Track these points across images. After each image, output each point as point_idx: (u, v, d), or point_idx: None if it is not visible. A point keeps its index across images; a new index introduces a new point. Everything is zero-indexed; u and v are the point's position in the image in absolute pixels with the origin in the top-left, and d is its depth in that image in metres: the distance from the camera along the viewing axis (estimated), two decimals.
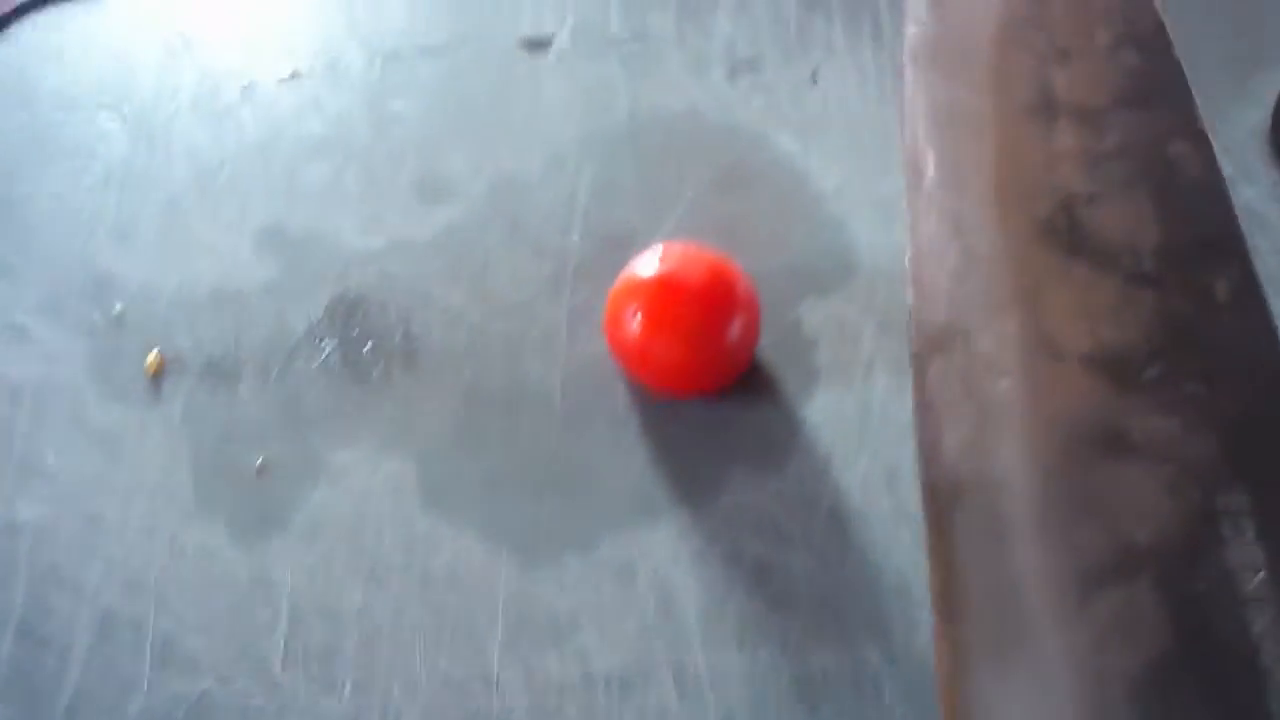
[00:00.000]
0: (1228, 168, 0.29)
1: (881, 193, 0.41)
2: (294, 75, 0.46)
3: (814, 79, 0.44)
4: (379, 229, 0.41)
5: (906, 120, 0.30)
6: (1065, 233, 0.27)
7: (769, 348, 0.37)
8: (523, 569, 0.34)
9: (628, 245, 0.40)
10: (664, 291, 0.35)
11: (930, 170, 0.29)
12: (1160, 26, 0.31)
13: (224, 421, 0.37)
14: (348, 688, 0.32)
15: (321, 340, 0.39)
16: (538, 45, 0.46)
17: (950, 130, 0.29)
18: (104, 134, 0.44)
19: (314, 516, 0.35)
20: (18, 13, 0.48)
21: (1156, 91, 0.30)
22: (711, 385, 0.36)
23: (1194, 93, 0.30)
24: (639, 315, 0.35)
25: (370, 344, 0.39)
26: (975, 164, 0.29)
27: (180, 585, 0.34)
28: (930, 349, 0.27)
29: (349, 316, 0.39)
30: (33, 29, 0.48)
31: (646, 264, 0.36)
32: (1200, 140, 0.29)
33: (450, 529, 0.35)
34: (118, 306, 0.40)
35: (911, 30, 0.31)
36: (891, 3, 0.46)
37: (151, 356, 0.39)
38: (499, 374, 0.38)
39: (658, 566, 0.34)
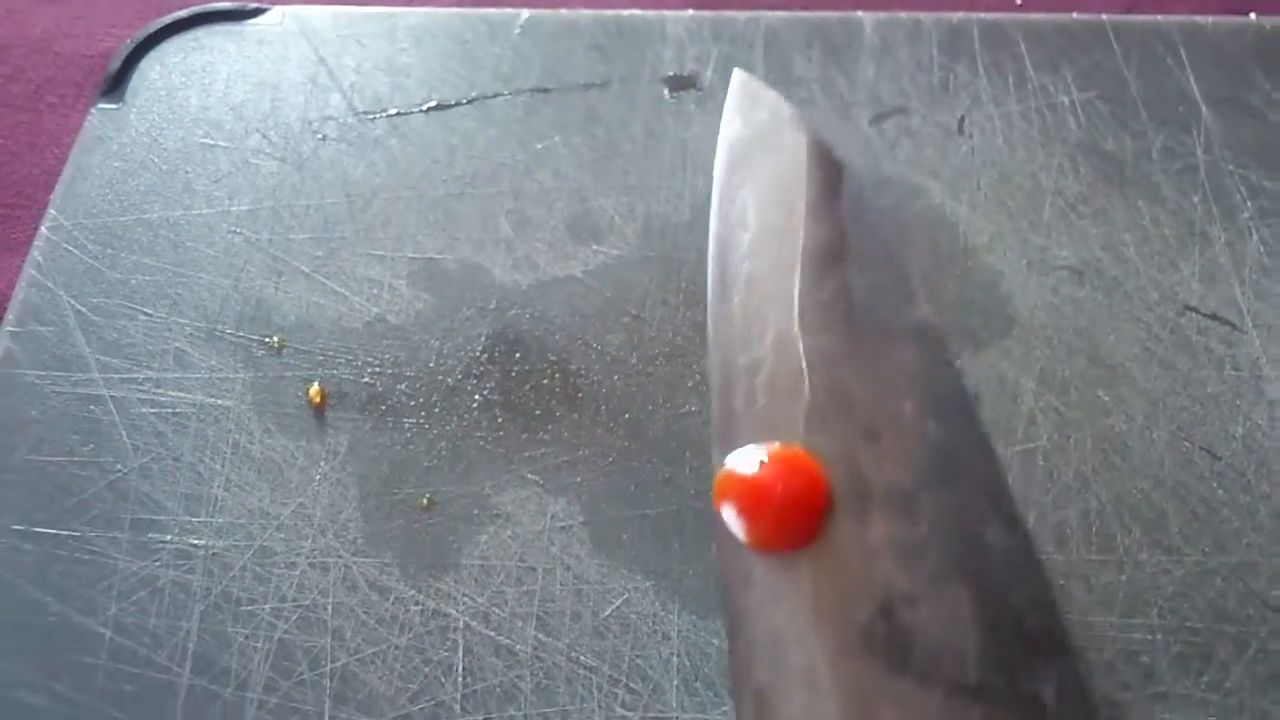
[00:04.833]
0: None
1: (1034, 247, 0.41)
2: (440, 107, 0.46)
3: (961, 128, 0.44)
4: (532, 267, 0.42)
5: (720, 534, 0.30)
6: (887, 641, 0.27)
7: None
8: (695, 617, 0.34)
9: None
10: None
11: (746, 584, 0.29)
12: (960, 392, 0.31)
13: (389, 457, 0.38)
14: None
15: (481, 378, 0.39)
16: (682, 85, 0.46)
17: None
18: (253, 160, 0.45)
19: (484, 556, 0.36)
20: (164, 33, 0.49)
21: (965, 468, 0.29)
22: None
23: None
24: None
25: (530, 384, 0.39)
26: (790, 572, 0.28)
27: (355, 621, 0.35)
28: None
29: (507, 355, 0.40)
30: (176, 51, 0.49)
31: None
32: (1013, 524, 0.29)
33: (620, 575, 0.35)
34: (276, 336, 0.40)
35: (716, 412, 0.31)
36: (1034, 53, 0.46)
37: (314, 388, 0.39)
38: (659, 419, 0.38)
39: None
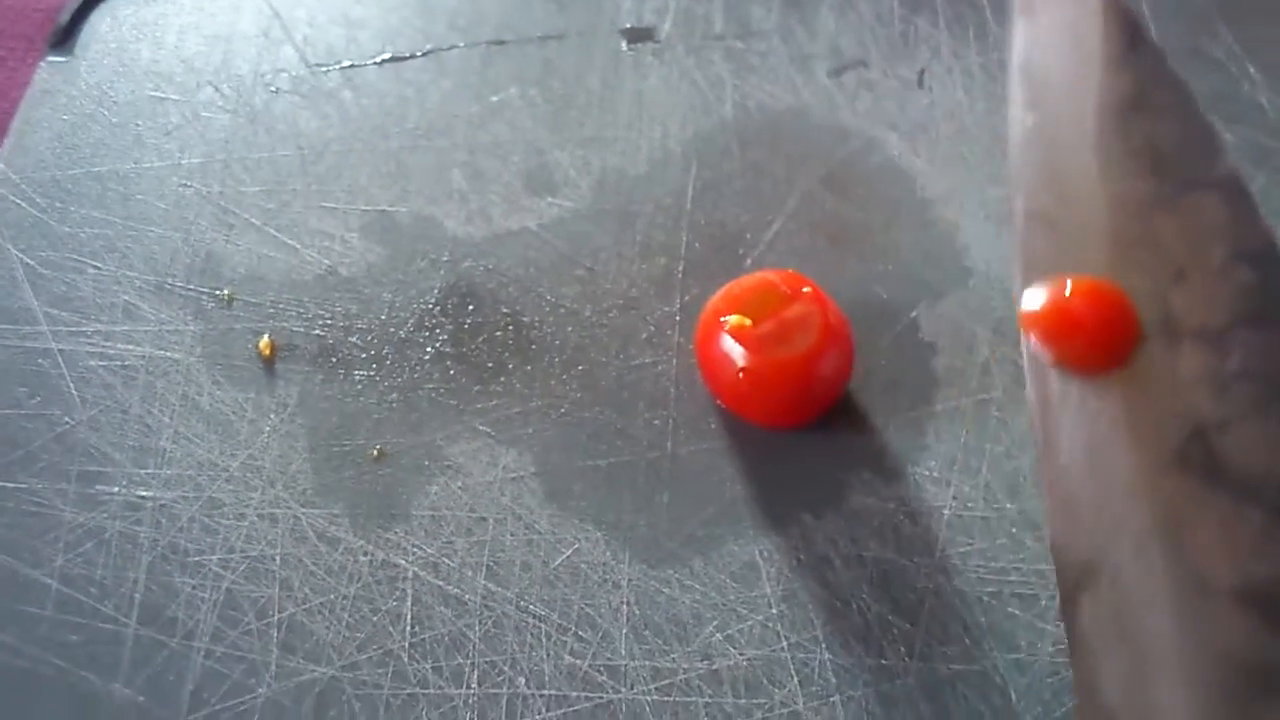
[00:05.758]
0: None
1: (992, 199, 0.41)
2: (394, 59, 0.45)
3: (921, 81, 0.44)
4: (486, 220, 0.41)
5: (1028, 361, 0.29)
6: (1201, 461, 0.27)
7: (888, 350, 0.37)
8: (646, 566, 0.34)
9: (737, 244, 0.40)
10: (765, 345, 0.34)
11: (1058, 402, 0.29)
12: (1271, 242, 0.30)
13: (340, 409, 0.37)
14: (474, 677, 0.33)
15: (433, 330, 0.39)
16: (640, 37, 0.46)
17: None
18: (205, 113, 0.44)
19: (434, 507, 0.36)
20: None
21: (1276, 310, 0.29)
22: (798, 423, 0.36)
23: None
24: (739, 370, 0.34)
25: (483, 336, 0.39)
26: (1102, 393, 0.29)
27: (303, 571, 0.34)
28: (1077, 585, 0.27)
29: (460, 307, 0.39)
30: (128, 3, 0.48)
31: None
32: None
33: (571, 525, 0.35)
34: (226, 289, 0.40)
35: (1018, 250, 0.31)
36: (995, 6, 0.46)
37: (264, 340, 0.39)
38: (612, 371, 0.38)
39: (781, 568, 0.34)
